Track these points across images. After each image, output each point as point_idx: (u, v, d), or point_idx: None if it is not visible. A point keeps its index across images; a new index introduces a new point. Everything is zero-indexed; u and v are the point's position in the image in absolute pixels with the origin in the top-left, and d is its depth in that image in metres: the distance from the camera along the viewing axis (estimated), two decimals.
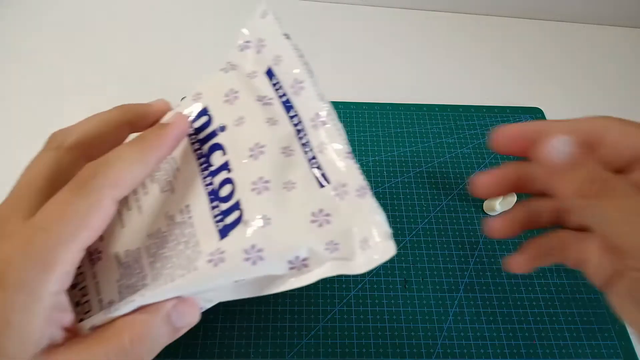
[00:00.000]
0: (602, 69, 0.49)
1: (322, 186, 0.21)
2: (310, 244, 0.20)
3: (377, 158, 0.40)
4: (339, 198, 0.21)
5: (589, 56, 0.50)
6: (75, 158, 0.21)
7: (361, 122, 0.42)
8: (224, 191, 0.22)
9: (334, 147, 0.22)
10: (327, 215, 0.21)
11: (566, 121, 0.22)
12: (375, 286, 0.32)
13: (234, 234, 0.21)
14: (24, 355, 0.17)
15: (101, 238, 0.24)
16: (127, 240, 0.24)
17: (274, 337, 0.30)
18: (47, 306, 0.18)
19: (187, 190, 0.23)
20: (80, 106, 0.41)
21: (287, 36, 0.24)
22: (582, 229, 0.22)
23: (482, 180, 0.24)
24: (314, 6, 0.52)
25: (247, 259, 0.20)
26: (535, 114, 0.44)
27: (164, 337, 0.19)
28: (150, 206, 0.24)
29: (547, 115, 0.44)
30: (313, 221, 0.21)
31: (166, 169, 0.25)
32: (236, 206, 0.21)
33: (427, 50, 0.50)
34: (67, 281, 0.19)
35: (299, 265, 0.21)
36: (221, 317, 0.31)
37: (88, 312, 0.23)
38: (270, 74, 0.25)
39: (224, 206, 0.22)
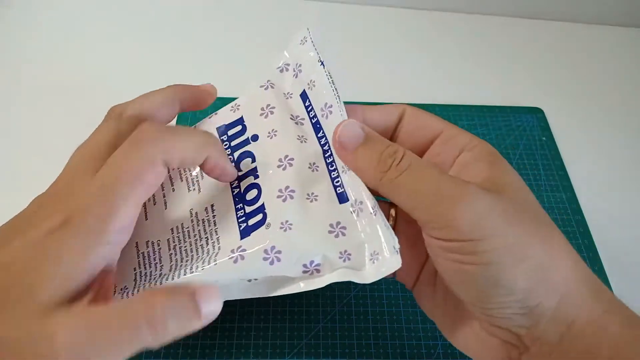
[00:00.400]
0: (602, 68, 0.49)
1: (341, 202, 0.23)
2: (326, 252, 0.22)
3: None
4: (355, 214, 0.23)
5: (589, 56, 0.50)
6: (133, 126, 0.22)
7: None
8: (250, 195, 0.24)
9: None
10: (344, 228, 0.23)
11: (370, 107, 0.25)
12: (375, 286, 0.32)
13: (256, 234, 0.22)
14: (55, 293, 0.17)
15: None
16: (149, 231, 0.25)
17: (274, 337, 0.30)
18: (100, 256, 0.18)
19: (214, 191, 0.25)
20: (81, 106, 0.41)
21: (322, 63, 0.26)
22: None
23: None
24: (314, 6, 0.52)
25: (265, 259, 0.22)
26: (535, 113, 0.44)
27: (187, 320, 0.18)
28: (176, 203, 0.26)
29: (548, 115, 0.44)
30: (330, 232, 0.22)
31: (196, 170, 0.27)
32: (261, 209, 0.23)
33: (427, 50, 0.50)
34: (124, 237, 0.20)
35: (312, 270, 0.22)
36: (221, 317, 0.31)
37: None
38: (304, 96, 0.27)
39: (248, 209, 0.24)
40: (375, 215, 0.22)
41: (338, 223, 0.23)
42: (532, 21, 0.53)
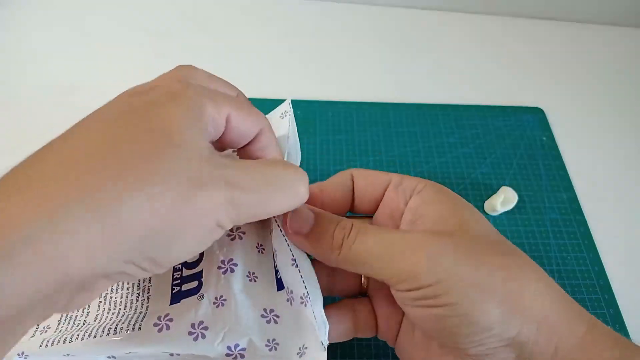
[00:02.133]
0: (602, 68, 0.49)
1: (279, 289, 0.23)
2: (254, 337, 0.21)
3: (377, 158, 0.40)
4: (289, 303, 0.22)
5: (589, 56, 0.50)
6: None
7: (362, 121, 0.42)
8: (192, 258, 0.23)
9: (283, 249, 0.23)
10: (277, 316, 0.22)
11: (319, 184, 0.25)
12: None
13: (186, 302, 0.21)
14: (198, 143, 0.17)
15: None
16: None
17: None
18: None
19: None
20: (80, 106, 0.41)
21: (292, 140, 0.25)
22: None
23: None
24: (314, 6, 0.52)
25: (191, 333, 0.20)
26: (536, 113, 0.44)
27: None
28: None
29: (548, 115, 0.44)
30: (263, 316, 0.22)
31: None
32: (197, 276, 0.22)
33: (427, 50, 0.50)
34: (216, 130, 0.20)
35: (236, 354, 0.21)
36: None
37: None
38: None
39: (186, 272, 0.23)
40: (305, 305, 0.21)
41: (272, 310, 0.22)
42: (532, 21, 0.53)
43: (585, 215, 0.38)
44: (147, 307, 0.22)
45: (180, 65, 0.24)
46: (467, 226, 0.21)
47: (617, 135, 0.44)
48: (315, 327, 0.21)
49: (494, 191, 0.38)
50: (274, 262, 0.23)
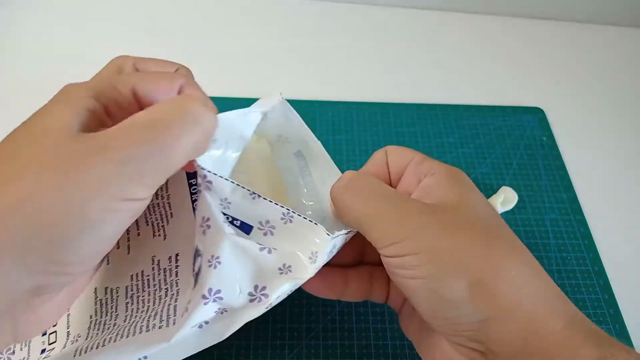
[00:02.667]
0: (602, 68, 0.49)
1: (248, 233, 0.23)
2: (265, 274, 0.22)
3: None
4: (269, 236, 0.23)
5: (589, 56, 0.50)
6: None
7: (362, 121, 0.42)
8: None
9: (238, 193, 0.23)
10: (273, 248, 0.22)
11: (363, 169, 0.26)
12: None
13: (198, 280, 0.21)
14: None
15: None
16: (108, 277, 0.24)
17: (273, 337, 0.30)
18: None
19: (180, 238, 0.24)
20: None
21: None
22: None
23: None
24: (314, 6, 0.52)
25: (206, 303, 0.20)
26: (536, 113, 0.44)
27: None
28: (139, 248, 0.24)
29: (548, 115, 0.44)
30: (261, 249, 0.22)
31: (159, 213, 0.25)
32: (198, 252, 0.22)
33: (427, 50, 0.50)
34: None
35: (258, 296, 0.22)
36: None
37: (53, 343, 0.23)
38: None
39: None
40: (291, 221, 0.22)
41: (262, 247, 0.22)
42: (532, 21, 0.53)
43: (585, 215, 0.38)
44: (177, 299, 0.22)
45: (114, 58, 0.25)
46: (464, 207, 0.21)
47: (617, 135, 0.44)
48: (317, 228, 0.22)
49: (494, 191, 0.38)
50: (225, 214, 0.23)
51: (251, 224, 0.23)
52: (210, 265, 0.21)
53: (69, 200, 0.15)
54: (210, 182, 0.21)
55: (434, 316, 0.20)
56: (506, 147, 0.42)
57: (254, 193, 0.22)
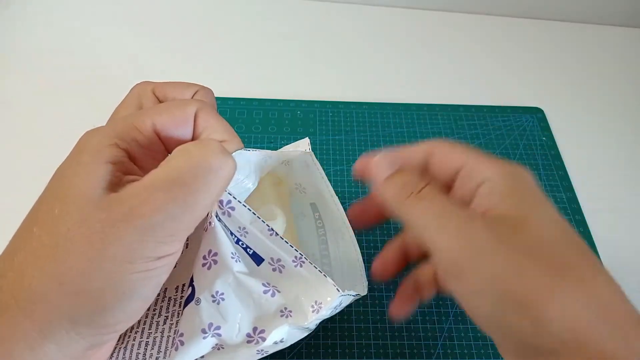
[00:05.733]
0: (602, 68, 0.49)
1: (258, 264, 0.23)
2: (266, 315, 0.22)
3: None
4: (278, 272, 0.23)
5: (589, 56, 0.50)
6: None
7: (361, 122, 0.42)
8: None
9: (257, 226, 0.23)
10: (275, 287, 0.22)
11: (406, 147, 0.25)
12: (375, 286, 0.32)
13: (188, 311, 0.21)
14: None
15: None
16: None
17: None
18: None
19: (190, 270, 0.23)
20: (81, 104, 0.41)
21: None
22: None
23: (379, 269, 0.27)
24: (314, 6, 0.52)
25: (205, 338, 0.21)
26: (536, 113, 0.44)
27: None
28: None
29: (548, 115, 0.44)
30: (265, 292, 0.22)
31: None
32: (191, 281, 0.22)
33: (427, 50, 0.50)
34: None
35: (256, 338, 0.22)
36: None
37: None
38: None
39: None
40: (301, 266, 0.22)
41: (269, 283, 0.22)
42: (532, 21, 0.53)
43: (585, 215, 0.38)
44: (176, 330, 0.22)
45: (135, 85, 0.25)
46: (530, 225, 0.20)
47: (617, 136, 0.44)
48: (324, 280, 0.21)
49: None
50: (239, 242, 0.23)
51: (263, 257, 0.23)
52: (214, 301, 0.21)
53: (103, 272, 0.16)
54: (232, 208, 0.21)
55: (496, 338, 0.20)
56: (506, 147, 0.42)
57: (272, 230, 0.22)
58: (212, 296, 0.21)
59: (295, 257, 0.22)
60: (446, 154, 0.23)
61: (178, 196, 0.17)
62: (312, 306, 0.22)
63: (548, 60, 0.50)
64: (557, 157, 0.41)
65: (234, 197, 0.21)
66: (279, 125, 0.41)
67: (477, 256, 0.19)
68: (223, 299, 0.21)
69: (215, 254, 0.22)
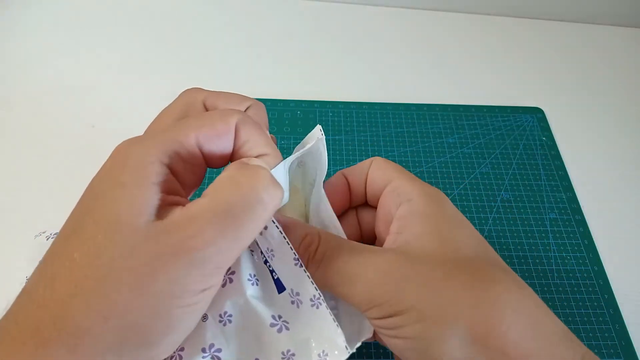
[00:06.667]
0: (602, 68, 0.49)
1: (279, 292, 0.21)
2: (267, 352, 0.20)
3: None
4: (295, 306, 0.21)
5: (589, 56, 0.50)
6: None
7: (361, 121, 0.42)
8: None
9: (283, 250, 0.21)
10: (286, 322, 0.21)
11: (349, 168, 0.25)
12: None
13: (194, 330, 0.20)
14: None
15: None
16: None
17: None
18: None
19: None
20: (79, 107, 0.41)
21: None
22: None
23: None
24: (314, 6, 0.52)
25: (204, 357, 0.19)
26: (535, 113, 0.44)
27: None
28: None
29: (548, 115, 0.44)
30: (273, 325, 0.21)
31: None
32: None
33: (427, 50, 0.50)
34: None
35: None
36: None
37: None
38: None
39: None
40: (317, 307, 0.20)
41: (280, 316, 0.21)
42: (532, 21, 0.53)
43: (585, 215, 0.38)
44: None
45: (185, 91, 0.24)
46: (447, 246, 0.20)
47: (617, 135, 0.44)
48: (336, 332, 0.20)
49: (494, 191, 0.38)
50: (267, 262, 0.22)
51: (285, 286, 0.21)
52: (220, 321, 0.20)
53: (150, 308, 0.16)
54: (266, 226, 0.21)
55: None
56: (506, 147, 0.42)
57: (298, 260, 0.21)
58: (220, 316, 0.20)
59: (314, 296, 0.20)
60: (377, 170, 0.24)
61: (228, 230, 0.16)
62: (319, 355, 0.20)
63: (548, 60, 0.50)
64: (557, 157, 0.41)
65: (273, 220, 0.20)
66: (279, 125, 0.41)
67: (395, 293, 0.18)
68: (230, 321, 0.20)
69: (233, 273, 0.21)
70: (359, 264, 0.20)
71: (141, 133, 0.22)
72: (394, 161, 0.39)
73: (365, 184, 0.24)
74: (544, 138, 0.43)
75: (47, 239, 0.23)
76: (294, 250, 0.21)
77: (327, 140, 0.40)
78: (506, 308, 0.18)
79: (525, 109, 0.45)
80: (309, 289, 0.21)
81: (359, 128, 0.42)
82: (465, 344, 0.17)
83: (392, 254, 0.19)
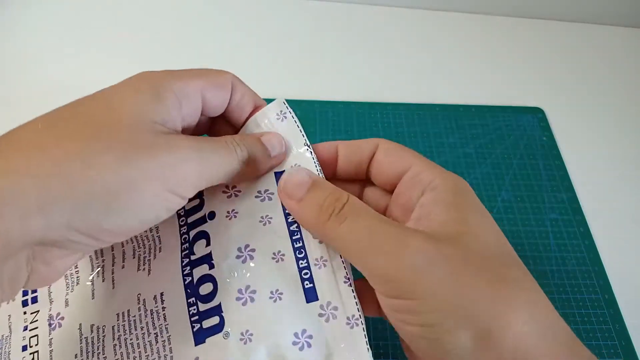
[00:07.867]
0: (602, 68, 0.49)
1: (309, 301, 0.20)
2: None
3: None
4: (324, 319, 0.20)
5: (589, 56, 0.50)
6: None
7: (361, 122, 0.42)
8: (204, 289, 0.21)
9: (334, 264, 0.20)
10: (309, 337, 0.19)
11: (347, 142, 0.24)
12: None
13: (212, 342, 0.20)
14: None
15: (67, 303, 0.23)
16: (94, 313, 0.22)
17: None
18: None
19: (164, 276, 0.22)
20: None
21: (308, 147, 0.23)
22: None
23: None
24: (314, 6, 0.52)
25: None
26: (536, 113, 0.44)
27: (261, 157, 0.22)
28: (124, 283, 0.23)
29: (549, 115, 0.44)
30: (295, 342, 0.19)
31: (148, 246, 0.23)
32: (217, 311, 0.20)
33: (427, 50, 0.50)
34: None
35: None
36: None
37: None
38: (278, 175, 0.23)
39: (202, 306, 0.20)
40: (352, 327, 0.19)
41: (304, 331, 0.19)
42: (532, 21, 0.53)
43: (585, 215, 0.38)
44: (171, 348, 0.20)
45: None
46: (470, 235, 0.19)
47: (617, 135, 0.44)
48: (359, 353, 0.19)
49: (494, 191, 0.38)
50: (297, 266, 0.21)
51: (319, 296, 0.21)
52: (241, 339, 0.19)
53: (132, 178, 0.17)
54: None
55: None
56: (506, 147, 0.42)
57: (348, 279, 0.20)
58: (242, 334, 0.19)
59: (352, 315, 0.19)
60: (392, 154, 0.22)
61: (211, 154, 0.20)
62: None
63: (548, 60, 0.50)
64: (557, 157, 0.41)
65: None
66: None
67: (416, 275, 0.18)
68: (250, 340, 0.19)
69: (254, 292, 0.20)
70: (387, 235, 0.18)
71: None
72: None
73: (368, 165, 0.23)
74: (544, 138, 0.43)
75: None
76: (342, 259, 0.20)
77: (327, 141, 0.40)
78: (523, 310, 0.17)
79: (526, 109, 0.45)
80: (348, 304, 0.20)
81: (359, 128, 0.42)
82: (477, 339, 0.17)
83: (422, 236, 0.18)
